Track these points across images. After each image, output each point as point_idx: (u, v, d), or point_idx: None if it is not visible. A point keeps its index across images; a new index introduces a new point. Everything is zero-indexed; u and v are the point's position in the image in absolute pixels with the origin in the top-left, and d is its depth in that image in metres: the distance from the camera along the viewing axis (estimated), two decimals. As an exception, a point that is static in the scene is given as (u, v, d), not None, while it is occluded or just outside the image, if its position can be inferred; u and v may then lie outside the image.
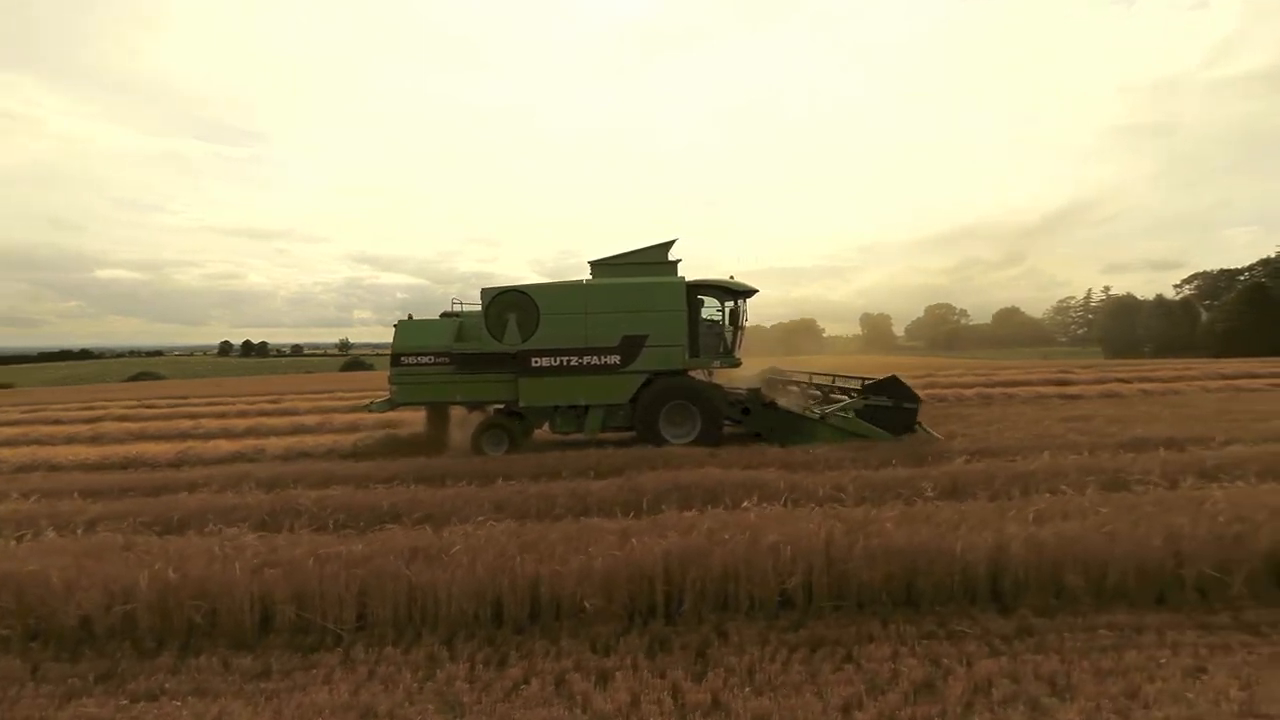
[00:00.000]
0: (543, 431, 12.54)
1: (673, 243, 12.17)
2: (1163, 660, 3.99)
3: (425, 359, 11.70)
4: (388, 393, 12.20)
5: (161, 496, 8.43)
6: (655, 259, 12.03)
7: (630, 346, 11.36)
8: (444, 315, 12.68)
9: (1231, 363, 28.39)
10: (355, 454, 12.99)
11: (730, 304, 12.08)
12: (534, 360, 11.39)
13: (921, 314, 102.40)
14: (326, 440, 14.07)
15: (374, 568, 5.09)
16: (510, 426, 11.70)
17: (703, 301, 12.03)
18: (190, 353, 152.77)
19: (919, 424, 10.83)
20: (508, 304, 11.49)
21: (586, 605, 4.78)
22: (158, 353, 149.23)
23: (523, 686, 4.03)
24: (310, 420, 18.39)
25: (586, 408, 11.66)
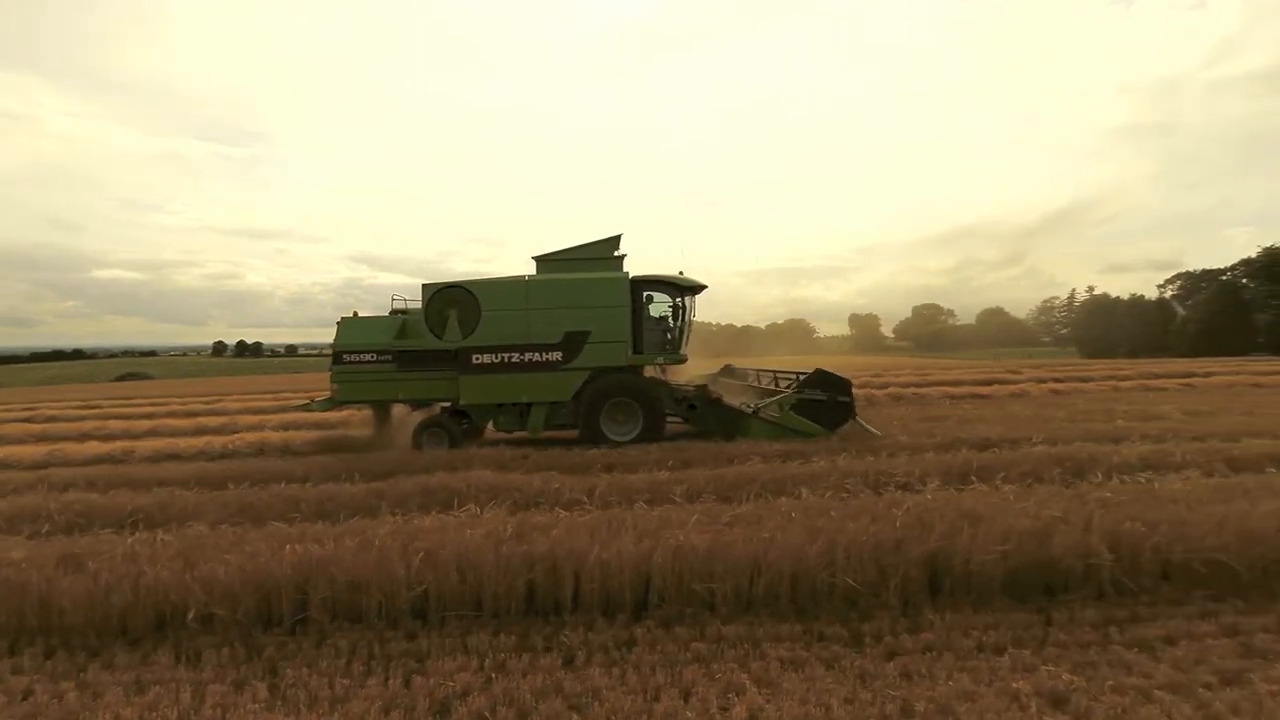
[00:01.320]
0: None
1: (619, 238, 11.86)
2: (718, 676, 3.79)
3: (367, 357, 11.49)
4: (329, 392, 11.91)
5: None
6: (601, 254, 11.75)
7: (572, 343, 11.08)
8: (394, 312, 12.43)
9: (1177, 362, 28.08)
10: (225, 456, 12.98)
11: (677, 300, 11.85)
12: (475, 357, 11.12)
13: (909, 314, 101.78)
14: (199, 443, 13.95)
15: (3, 576, 4.93)
16: (450, 425, 11.42)
17: (651, 298, 11.79)
18: (184, 353, 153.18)
19: (857, 419, 10.67)
20: (448, 300, 11.21)
21: (188, 615, 4.62)
22: (151, 353, 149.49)
23: (55, 701, 3.86)
24: (215, 421, 18.33)
25: (529, 406, 11.38)
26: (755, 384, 13.69)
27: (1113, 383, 18.56)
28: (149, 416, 21.01)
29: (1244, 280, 60.96)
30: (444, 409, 11.98)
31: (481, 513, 6.10)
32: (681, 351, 11.97)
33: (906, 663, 3.89)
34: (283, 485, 8.02)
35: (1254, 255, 60.04)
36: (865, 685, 3.67)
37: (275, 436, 14.09)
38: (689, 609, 4.67)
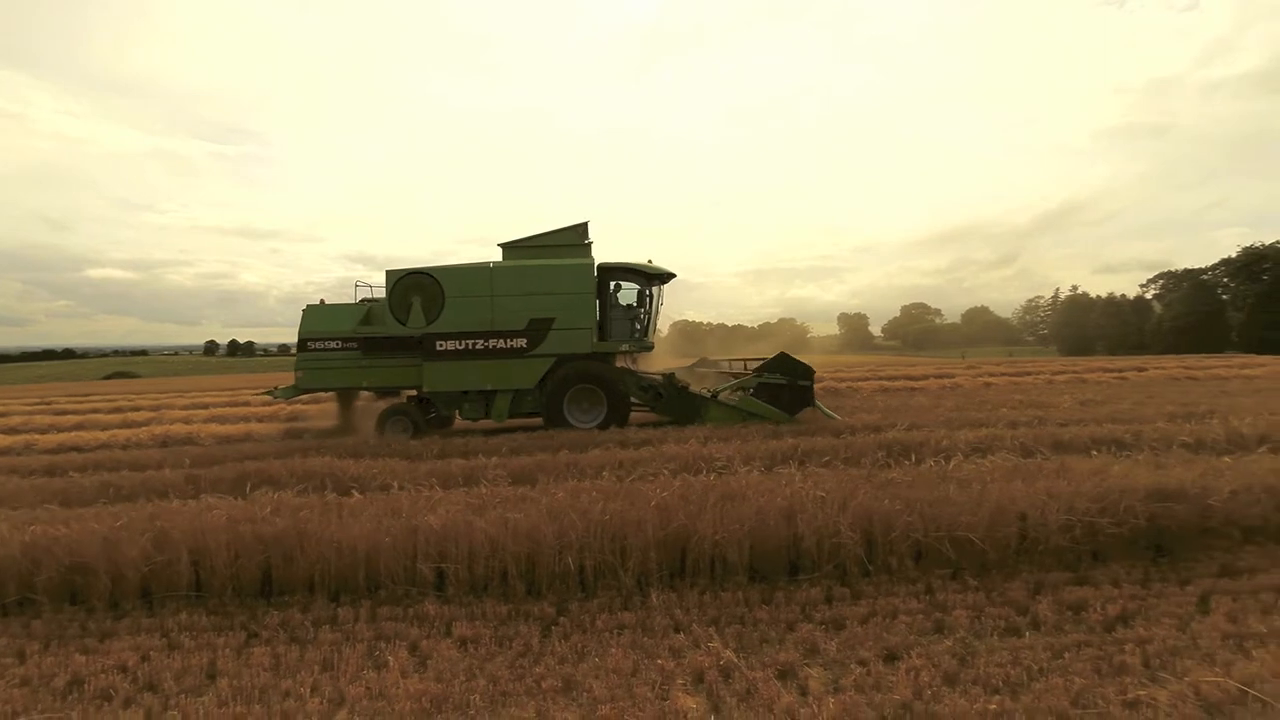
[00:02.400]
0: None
1: (586, 225, 11.69)
2: (376, 654, 3.66)
3: (332, 344, 11.34)
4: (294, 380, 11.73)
5: None
6: (568, 241, 11.57)
7: (537, 330, 10.92)
8: (363, 300, 12.22)
9: (1130, 359, 27.94)
10: (126, 447, 12.90)
11: (645, 288, 11.70)
12: (439, 344, 10.95)
13: (898, 314, 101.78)
14: (104, 436, 13.86)
15: None
16: (413, 412, 11.22)
17: (619, 286, 11.65)
18: (175, 352, 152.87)
19: (817, 405, 10.60)
20: (412, 286, 11.06)
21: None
22: (142, 352, 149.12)
23: None
24: (142, 416, 18.21)
25: (494, 393, 11.18)
26: (726, 373, 13.55)
27: (1047, 376, 18.44)
28: (94, 411, 20.87)
29: (1225, 280, 60.94)
30: (410, 397, 11.83)
31: (274, 495, 5.98)
32: (649, 339, 11.83)
33: (583, 641, 3.76)
34: (122, 472, 7.94)
35: (1234, 255, 60.08)
36: (518, 663, 3.54)
37: (181, 430, 14.00)
38: (414, 589, 4.55)
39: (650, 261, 11.66)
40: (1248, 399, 11.17)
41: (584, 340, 10.94)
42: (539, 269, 11.08)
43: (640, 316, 11.72)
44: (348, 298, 12.38)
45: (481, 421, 11.66)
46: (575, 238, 11.59)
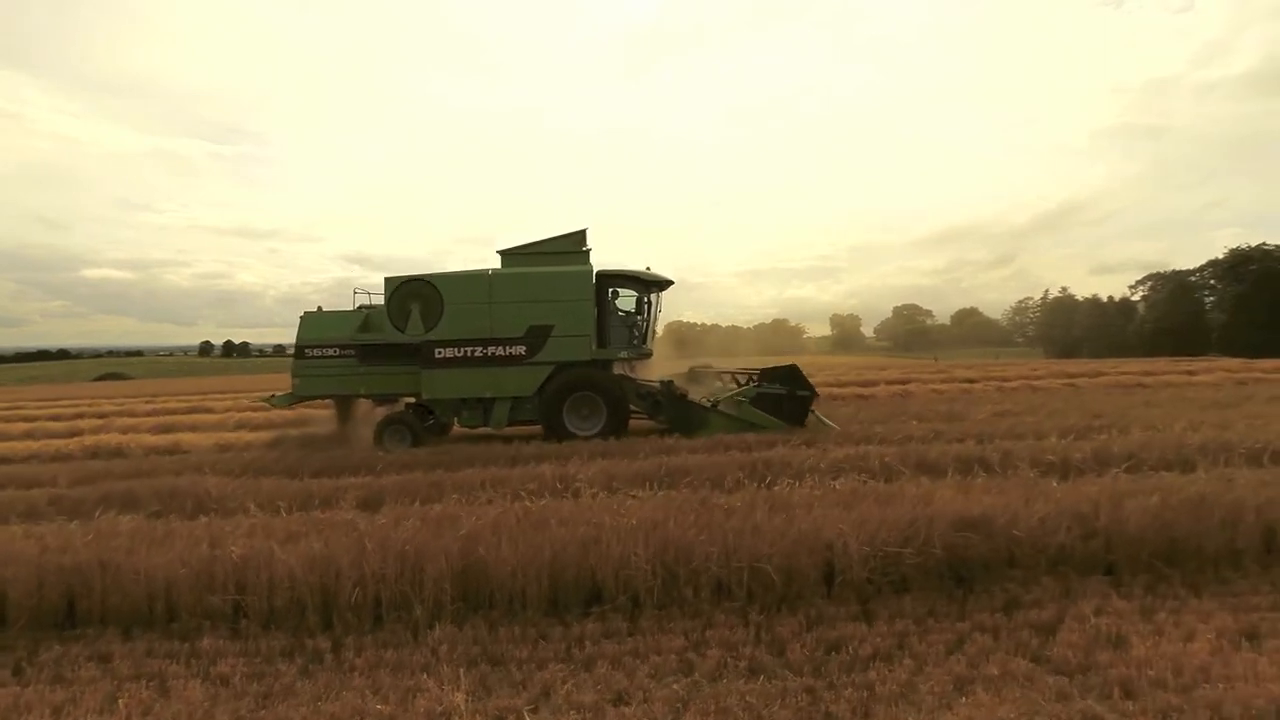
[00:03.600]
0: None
1: (584, 232, 11.70)
2: (127, 693, 3.67)
3: (330, 351, 11.38)
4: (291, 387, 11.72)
5: None
6: (566, 248, 11.59)
7: (536, 337, 10.94)
8: (361, 307, 12.18)
9: (1089, 363, 27.89)
10: (55, 459, 12.90)
11: (643, 295, 11.74)
12: (437, 351, 10.96)
13: (890, 315, 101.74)
14: (36, 445, 13.90)
15: None
16: (413, 422, 11.12)
17: (616, 293, 11.68)
18: (170, 352, 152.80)
19: (815, 414, 10.62)
20: (411, 293, 11.04)
21: None
22: (138, 353, 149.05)
23: None
24: (91, 424, 18.23)
25: (493, 401, 11.16)
26: (731, 381, 13.60)
27: (997, 383, 18.43)
28: (53, 419, 20.88)
29: (1211, 281, 60.70)
30: (408, 405, 11.80)
31: (120, 519, 5.98)
32: (647, 346, 11.86)
33: (331, 680, 3.76)
34: (6, 490, 7.94)
35: (1220, 256, 59.85)
36: (257, 704, 3.54)
37: (117, 440, 14.01)
38: (209, 622, 4.54)
39: (648, 268, 11.73)
40: (1161, 410, 11.15)
41: (583, 347, 10.96)
42: (538, 276, 11.11)
43: (639, 324, 11.77)
44: (345, 298, 12.35)
45: (479, 430, 11.53)
46: (573, 245, 11.62)
